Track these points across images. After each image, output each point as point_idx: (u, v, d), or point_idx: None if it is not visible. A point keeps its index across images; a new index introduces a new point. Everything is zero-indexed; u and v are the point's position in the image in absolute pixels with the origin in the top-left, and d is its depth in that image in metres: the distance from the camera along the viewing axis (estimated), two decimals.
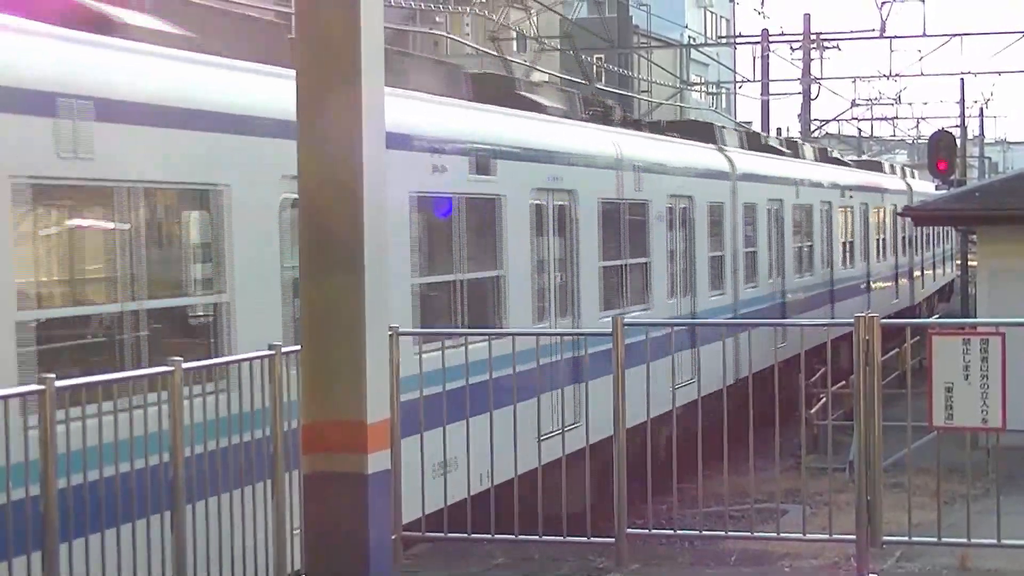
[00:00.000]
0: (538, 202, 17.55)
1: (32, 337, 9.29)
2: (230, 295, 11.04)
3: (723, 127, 29.52)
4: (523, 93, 19.52)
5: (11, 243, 9.26)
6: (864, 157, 62.45)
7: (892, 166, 51.23)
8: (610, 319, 11.35)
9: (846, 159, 45.84)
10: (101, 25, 10.62)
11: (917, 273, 45.06)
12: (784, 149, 33.23)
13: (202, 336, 11.00)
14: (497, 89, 18.69)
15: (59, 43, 9.88)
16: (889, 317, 31.28)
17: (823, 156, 37.71)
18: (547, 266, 17.61)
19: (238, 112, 11.56)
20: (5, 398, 8.12)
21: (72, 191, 9.87)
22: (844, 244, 34.72)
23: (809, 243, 31.23)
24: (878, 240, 38.78)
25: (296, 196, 8.13)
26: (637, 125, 24.86)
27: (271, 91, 11.88)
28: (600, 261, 19.04)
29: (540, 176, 17.60)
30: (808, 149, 36.49)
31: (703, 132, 27.00)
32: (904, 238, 42.79)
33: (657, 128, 25.94)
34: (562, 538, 11.47)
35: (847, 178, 36.75)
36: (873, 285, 37.34)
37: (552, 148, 18.20)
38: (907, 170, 52.43)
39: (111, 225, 10.11)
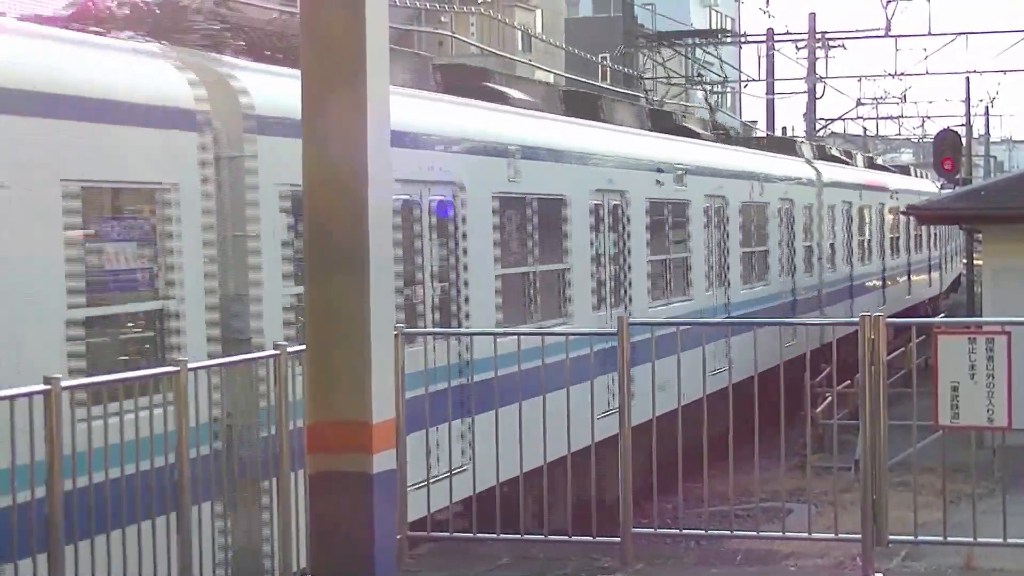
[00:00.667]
0: (707, 205, 23.86)
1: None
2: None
3: (802, 141, 37.24)
4: (689, 127, 26.79)
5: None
6: (880, 160, 63.08)
7: (919, 171, 57.91)
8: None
9: (886, 165, 52.74)
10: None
11: (945, 264, 52.15)
12: (845, 158, 39.79)
13: None
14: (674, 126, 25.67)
15: None
16: (919, 303, 42.25)
17: (870, 163, 44.51)
18: (715, 250, 24.12)
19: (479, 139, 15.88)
20: (11, 398, 8.12)
21: None
22: (893, 239, 40.81)
23: (869, 237, 37.37)
24: (916, 236, 44.60)
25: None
26: (747, 141, 32.62)
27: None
28: (741, 248, 25.69)
29: (709, 186, 24.02)
30: (859, 157, 43.25)
31: (787, 145, 34.17)
32: (935, 234, 48.30)
33: (758, 143, 32.89)
34: (567, 537, 11.47)
35: (897, 183, 43.45)
36: (913, 273, 43.89)
37: (715, 166, 24.86)
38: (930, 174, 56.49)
39: None
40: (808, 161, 32.92)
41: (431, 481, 11.71)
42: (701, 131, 27.01)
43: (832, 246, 33.07)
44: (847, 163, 38.96)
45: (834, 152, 39.48)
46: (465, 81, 17.44)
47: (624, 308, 19.45)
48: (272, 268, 11.62)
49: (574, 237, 18.03)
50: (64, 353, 9.30)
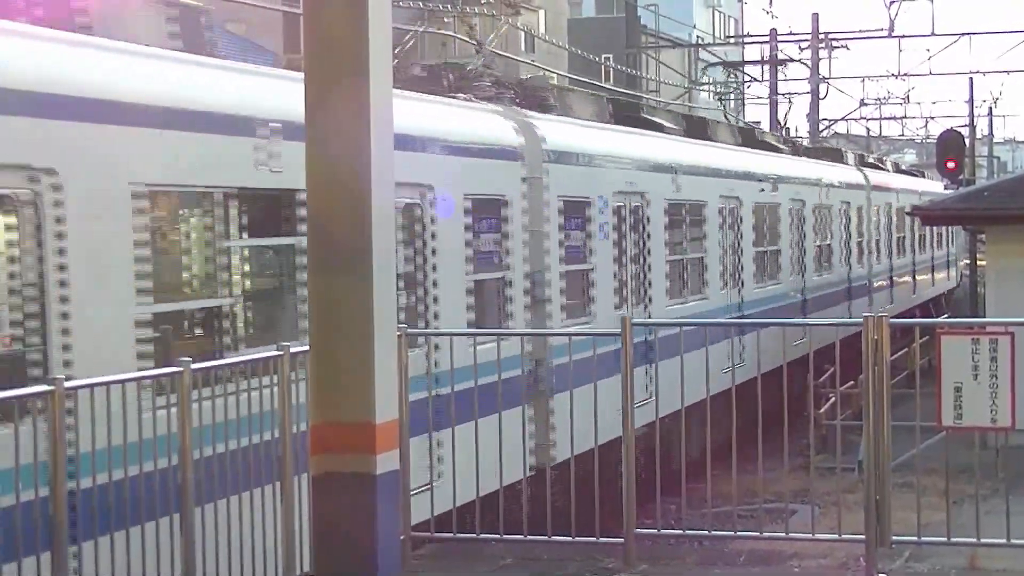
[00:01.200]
0: (790, 208, 29.01)
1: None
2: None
3: (846, 150, 42.09)
4: (767, 140, 32.39)
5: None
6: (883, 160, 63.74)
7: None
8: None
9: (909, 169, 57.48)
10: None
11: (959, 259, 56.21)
12: (880, 165, 44.59)
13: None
14: (747, 138, 30.22)
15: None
16: (940, 293, 46.59)
17: (896, 168, 49.07)
18: (795, 245, 29.16)
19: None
20: (19, 398, 8.12)
21: None
22: (920, 236, 44.12)
23: (903, 234, 41.49)
24: (938, 234, 47.90)
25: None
26: (807, 151, 36.85)
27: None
28: (815, 242, 30.90)
29: (792, 192, 29.14)
30: (890, 163, 48.28)
31: (834, 153, 38.75)
32: (952, 233, 51.67)
33: (813, 153, 37.20)
34: (571, 538, 11.46)
35: (923, 186, 46.99)
36: (935, 267, 47.54)
37: (795, 175, 30.06)
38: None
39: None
40: (858, 168, 38.36)
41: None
42: (780, 145, 33.01)
43: (877, 242, 37.79)
44: (884, 169, 44.03)
45: (871, 159, 44.71)
46: (624, 112, 23.27)
47: (738, 289, 25.29)
48: (554, 252, 17.31)
49: (709, 233, 23.63)
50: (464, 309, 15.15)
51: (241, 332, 11.20)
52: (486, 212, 15.94)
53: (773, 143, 32.54)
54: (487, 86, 18.38)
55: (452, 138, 15.32)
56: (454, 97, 17.12)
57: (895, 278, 39.61)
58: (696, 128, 26.40)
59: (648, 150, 21.55)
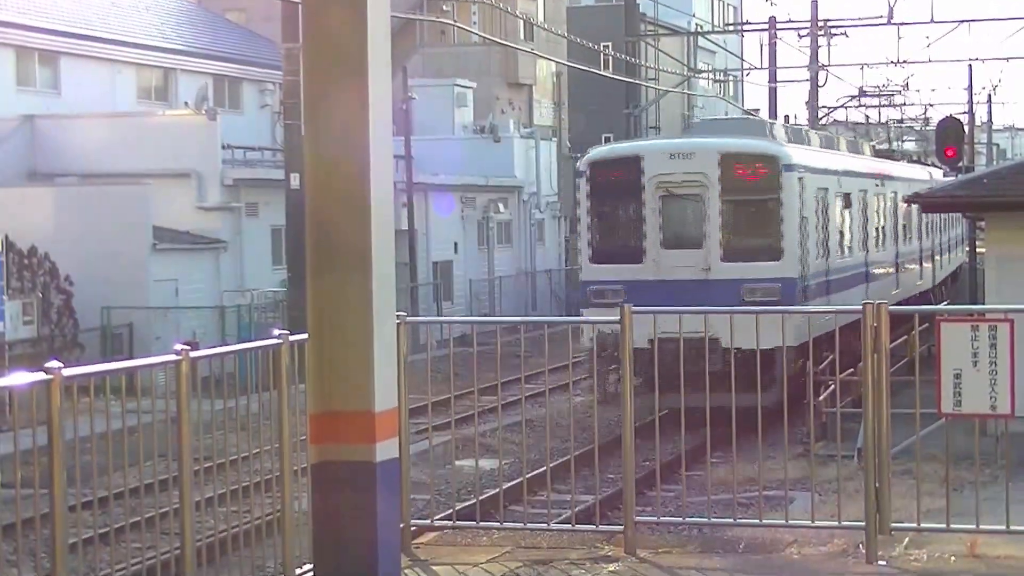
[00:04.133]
0: (892, 198, 37.66)
1: None
2: None
3: (914, 154, 61.74)
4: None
5: None
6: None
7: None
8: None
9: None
10: None
11: None
12: (927, 162, 54.91)
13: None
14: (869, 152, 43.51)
15: None
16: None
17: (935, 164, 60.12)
18: (891, 223, 37.75)
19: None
20: (12, 389, 8.12)
21: None
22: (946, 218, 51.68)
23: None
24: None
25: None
26: (892, 155, 50.38)
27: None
28: (902, 223, 39.01)
29: (904, 189, 37.36)
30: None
31: (900, 155, 54.05)
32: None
33: (882, 154, 46.89)
34: (571, 526, 11.47)
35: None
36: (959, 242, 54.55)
37: (903, 176, 40.62)
38: None
39: None
40: (925, 166, 49.22)
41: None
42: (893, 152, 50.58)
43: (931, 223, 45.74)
44: (936, 166, 50.25)
45: (919, 158, 58.75)
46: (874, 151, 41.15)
47: (866, 252, 34.01)
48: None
49: (855, 214, 33.24)
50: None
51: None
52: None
53: (884, 153, 47.34)
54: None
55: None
56: None
57: (934, 253, 45.04)
58: (880, 152, 43.88)
59: (835, 162, 32.97)
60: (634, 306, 11.18)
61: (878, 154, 43.51)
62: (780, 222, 27.22)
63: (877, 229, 34.84)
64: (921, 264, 40.20)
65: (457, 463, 20.31)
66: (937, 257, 43.72)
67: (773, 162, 27.50)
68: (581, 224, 28.83)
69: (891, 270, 36.14)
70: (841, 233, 31.21)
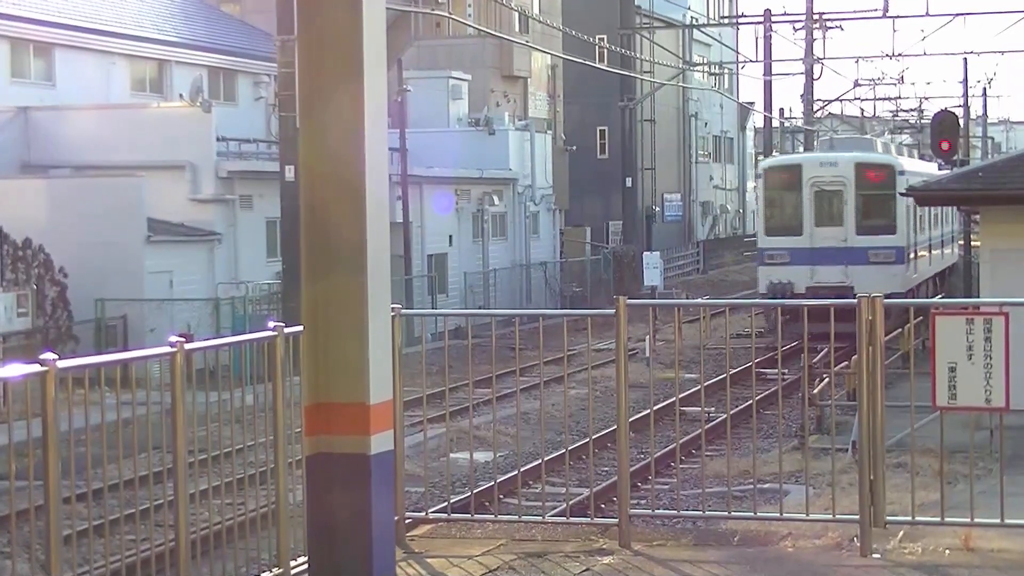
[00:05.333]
0: None
1: None
2: None
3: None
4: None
5: None
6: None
7: None
8: None
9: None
10: None
11: None
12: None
13: None
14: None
15: None
16: None
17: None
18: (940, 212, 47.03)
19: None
20: (6, 380, 8.11)
21: None
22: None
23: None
24: None
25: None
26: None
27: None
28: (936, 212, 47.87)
29: None
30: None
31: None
32: None
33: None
34: (565, 519, 11.47)
35: None
36: None
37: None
38: None
39: None
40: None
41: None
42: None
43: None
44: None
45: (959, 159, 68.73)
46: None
47: (953, 248, 49.39)
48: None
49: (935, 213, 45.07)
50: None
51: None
52: None
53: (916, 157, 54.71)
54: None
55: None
56: None
57: (954, 237, 51.26)
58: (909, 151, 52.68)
59: (917, 166, 44.27)
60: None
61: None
62: (895, 208, 39.31)
63: (932, 214, 45.36)
64: (951, 243, 50.34)
65: (452, 456, 20.31)
66: (954, 240, 52.34)
67: (891, 168, 40.23)
68: (759, 208, 42.27)
69: (939, 245, 47.27)
70: (921, 216, 42.64)
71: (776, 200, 40.76)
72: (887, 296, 10.39)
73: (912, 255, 40.95)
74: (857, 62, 64.24)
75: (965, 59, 66.56)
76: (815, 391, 24.07)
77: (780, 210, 40.56)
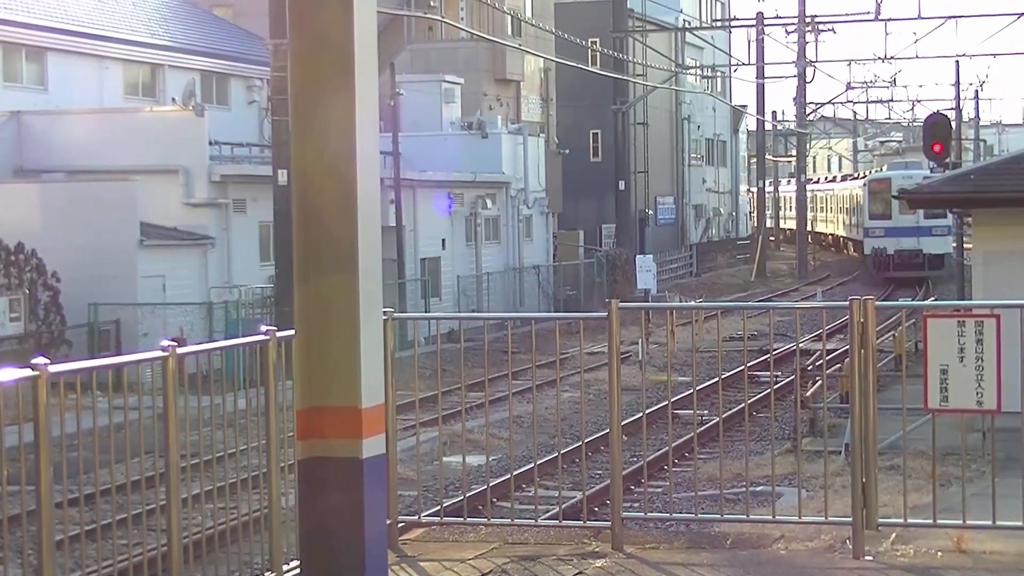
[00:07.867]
0: None
1: None
2: None
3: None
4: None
5: None
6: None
7: None
8: None
9: None
10: None
11: None
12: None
13: None
14: None
15: None
16: None
17: None
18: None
19: None
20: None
21: None
22: None
23: None
24: None
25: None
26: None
27: None
28: None
29: None
30: None
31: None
32: None
33: None
34: (558, 523, 11.49)
35: None
36: None
37: None
38: None
39: None
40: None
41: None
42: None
43: None
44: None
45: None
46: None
47: None
48: None
49: None
50: None
51: None
52: None
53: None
54: None
55: None
56: None
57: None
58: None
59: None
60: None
61: None
62: None
63: None
64: None
65: (444, 459, 20.32)
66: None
67: None
68: (864, 207, 66.14)
69: None
70: None
71: (876, 199, 64.15)
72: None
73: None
74: (849, 65, 64.58)
75: (957, 62, 66.78)
76: (808, 394, 24.11)
77: (877, 205, 63.75)
